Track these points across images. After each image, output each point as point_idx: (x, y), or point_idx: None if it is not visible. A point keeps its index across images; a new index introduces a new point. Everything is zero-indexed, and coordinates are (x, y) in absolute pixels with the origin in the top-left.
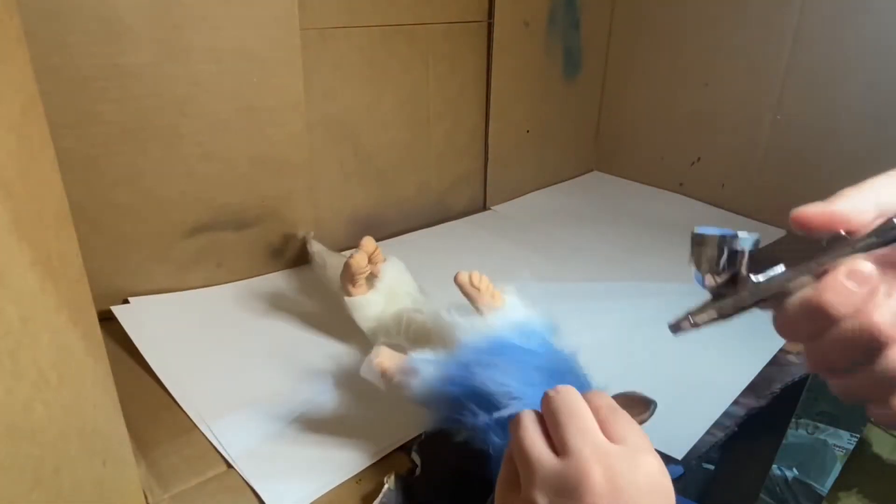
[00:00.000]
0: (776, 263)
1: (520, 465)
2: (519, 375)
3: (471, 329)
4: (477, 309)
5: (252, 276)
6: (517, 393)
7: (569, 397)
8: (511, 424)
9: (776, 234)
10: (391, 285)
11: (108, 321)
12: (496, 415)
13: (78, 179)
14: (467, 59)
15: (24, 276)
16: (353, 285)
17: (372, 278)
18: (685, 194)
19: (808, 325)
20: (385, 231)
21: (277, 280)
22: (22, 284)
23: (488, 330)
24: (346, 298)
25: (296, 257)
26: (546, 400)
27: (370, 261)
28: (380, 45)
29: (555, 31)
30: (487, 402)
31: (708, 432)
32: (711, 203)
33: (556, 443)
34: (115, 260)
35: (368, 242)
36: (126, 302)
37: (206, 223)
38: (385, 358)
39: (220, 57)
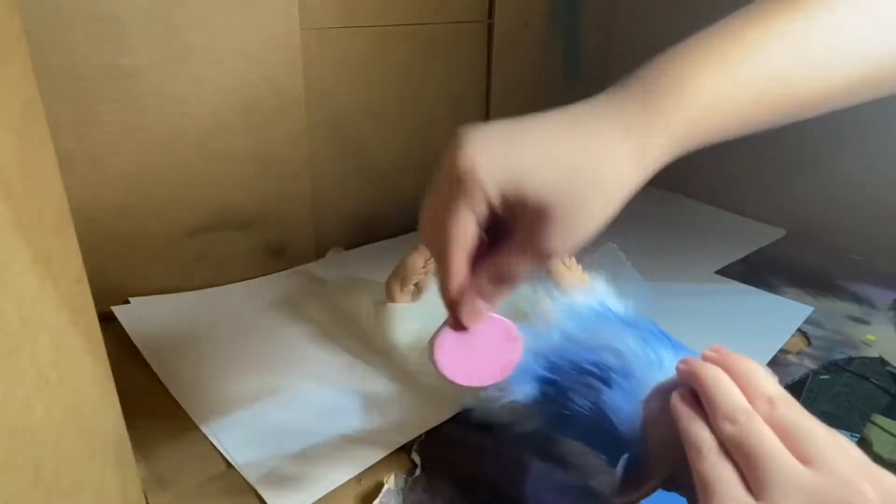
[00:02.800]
0: None
1: (757, 470)
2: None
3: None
4: (561, 288)
5: (252, 277)
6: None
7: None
8: (729, 411)
9: (776, 234)
10: (436, 302)
11: (108, 321)
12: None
13: (78, 179)
14: (467, 59)
15: (24, 276)
16: (401, 289)
17: (417, 291)
18: (685, 194)
19: None
20: (385, 231)
21: (278, 280)
22: (22, 284)
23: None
24: (389, 305)
25: (296, 257)
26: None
27: (424, 266)
28: (380, 45)
29: (555, 31)
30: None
31: None
32: (711, 203)
33: (801, 452)
34: (115, 260)
35: (425, 248)
36: (126, 302)
37: (206, 223)
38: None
39: (220, 57)
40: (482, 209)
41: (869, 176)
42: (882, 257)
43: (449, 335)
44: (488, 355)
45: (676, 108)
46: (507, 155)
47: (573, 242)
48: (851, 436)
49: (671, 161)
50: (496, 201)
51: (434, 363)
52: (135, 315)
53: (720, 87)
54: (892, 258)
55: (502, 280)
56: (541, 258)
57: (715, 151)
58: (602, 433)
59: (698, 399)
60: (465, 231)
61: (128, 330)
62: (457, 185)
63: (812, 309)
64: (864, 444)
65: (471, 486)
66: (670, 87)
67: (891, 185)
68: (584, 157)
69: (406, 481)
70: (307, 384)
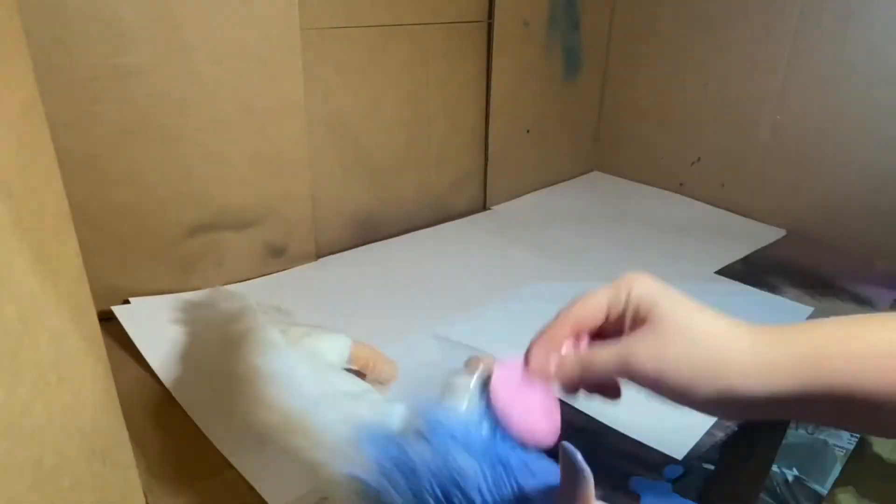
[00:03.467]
0: None
1: None
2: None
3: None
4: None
5: (252, 277)
6: None
7: None
8: None
9: (776, 234)
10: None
11: (108, 321)
12: None
13: (78, 179)
14: (467, 59)
15: (24, 276)
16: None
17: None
18: (685, 194)
19: None
20: (385, 231)
21: (277, 280)
22: (22, 284)
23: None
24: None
25: (296, 257)
26: None
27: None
28: (380, 45)
29: (555, 31)
30: None
31: (708, 432)
32: (711, 203)
33: None
34: (115, 260)
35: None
36: (126, 302)
37: (206, 223)
38: None
39: (220, 57)
40: (617, 302)
41: (869, 176)
42: (882, 257)
43: (505, 371)
44: (532, 412)
45: (807, 335)
46: (661, 286)
47: (655, 366)
48: (851, 436)
49: (800, 391)
50: (633, 303)
51: (490, 389)
52: (135, 315)
53: (860, 339)
54: (892, 258)
55: (581, 361)
56: (622, 361)
57: (715, 151)
58: None
59: None
60: (591, 304)
61: (128, 330)
62: (611, 284)
63: (812, 309)
64: (864, 444)
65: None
66: (799, 327)
67: (891, 185)
68: (713, 318)
69: None
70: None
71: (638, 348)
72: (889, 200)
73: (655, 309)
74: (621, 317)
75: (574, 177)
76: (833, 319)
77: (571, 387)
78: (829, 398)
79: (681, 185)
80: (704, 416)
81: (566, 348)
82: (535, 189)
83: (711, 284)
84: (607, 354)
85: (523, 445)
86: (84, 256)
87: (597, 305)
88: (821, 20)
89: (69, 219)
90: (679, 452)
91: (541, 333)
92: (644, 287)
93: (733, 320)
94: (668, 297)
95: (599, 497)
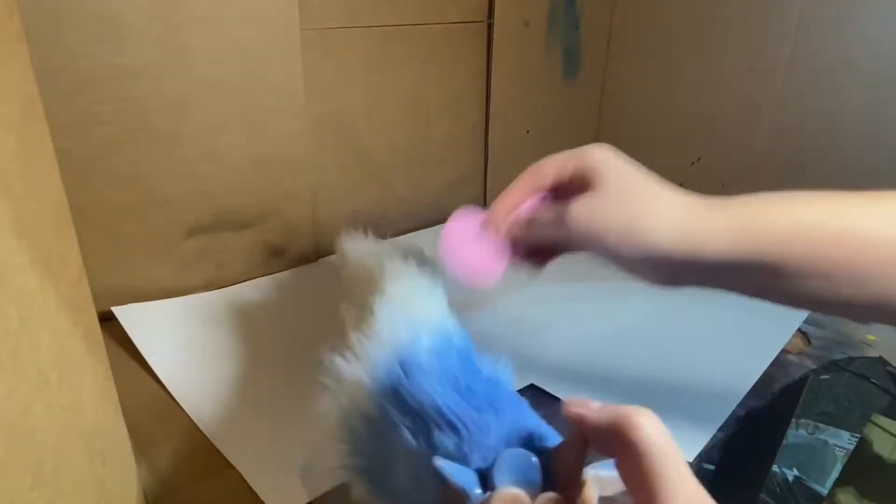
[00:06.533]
0: None
1: None
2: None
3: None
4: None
5: (252, 277)
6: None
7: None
8: None
9: None
10: None
11: (108, 321)
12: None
13: (78, 179)
14: (467, 59)
15: (24, 276)
16: None
17: None
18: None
19: None
20: (385, 231)
21: (278, 280)
22: (22, 284)
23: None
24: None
25: (296, 257)
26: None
27: None
28: (380, 45)
29: (555, 31)
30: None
31: None
32: None
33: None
34: (115, 260)
35: None
36: (126, 302)
37: (206, 223)
38: None
39: (220, 57)
40: (571, 167)
41: (869, 176)
42: None
43: (462, 220)
44: (479, 257)
45: (740, 208)
46: (617, 155)
47: (587, 222)
48: (851, 436)
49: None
50: (584, 165)
51: (444, 233)
52: (135, 315)
53: (787, 213)
54: None
55: (525, 219)
56: (558, 218)
57: (715, 151)
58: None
59: None
60: (548, 164)
61: (128, 330)
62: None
63: None
64: (864, 444)
65: None
66: (732, 201)
67: (890, 185)
68: (657, 186)
69: None
70: (307, 384)
71: (576, 206)
72: None
73: (603, 171)
74: (573, 180)
75: None
76: (763, 195)
77: (518, 241)
78: (758, 266)
79: (681, 185)
80: (709, 419)
81: (527, 206)
82: None
83: None
84: (550, 212)
85: (467, 284)
86: (84, 256)
87: (553, 165)
88: (821, 20)
89: (69, 219)
90: (688, 456)
91: (505, 191)
92: (599, 153)
93: (678, 192)
94: (620, 164)
95: None
